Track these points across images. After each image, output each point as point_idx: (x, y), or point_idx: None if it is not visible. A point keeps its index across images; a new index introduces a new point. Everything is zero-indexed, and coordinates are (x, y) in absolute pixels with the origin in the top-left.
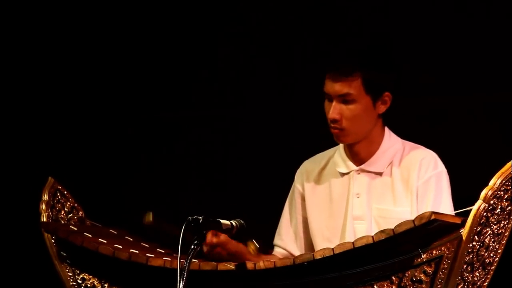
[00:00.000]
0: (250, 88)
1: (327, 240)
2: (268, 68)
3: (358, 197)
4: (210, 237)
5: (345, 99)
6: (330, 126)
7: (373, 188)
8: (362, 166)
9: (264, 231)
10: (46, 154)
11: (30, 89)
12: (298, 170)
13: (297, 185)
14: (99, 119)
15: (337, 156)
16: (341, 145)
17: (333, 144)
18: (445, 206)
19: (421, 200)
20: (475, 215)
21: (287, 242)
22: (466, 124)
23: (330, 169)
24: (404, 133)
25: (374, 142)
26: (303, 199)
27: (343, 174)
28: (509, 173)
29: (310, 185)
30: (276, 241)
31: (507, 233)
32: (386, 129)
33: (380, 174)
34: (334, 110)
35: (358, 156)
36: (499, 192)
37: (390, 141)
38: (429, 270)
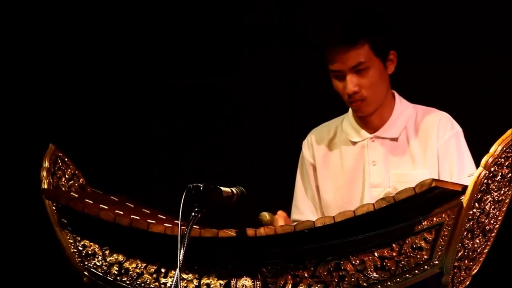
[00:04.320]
0: (254, 55)
1: (342, 209)
2: (268, 35)
3: (374, 165)
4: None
5: (358, 69)
6: (348, 101)
7: (390, 154)
8: (377, 133)
9: (265, 200)
10: (47, 121)
11: (30, 56)
12: (306, 141)
13: (306, 156)
14: (100, 85)
15: (347, 125)
16: (349, 114)
17: (337, 111)
18: (469, 165)
19: (443, 161)
20: (475, 182)
21: (307, 215)
22: (466, 91)
23: (339, 138)
24: (411, 99)
25: (386, 108)
26: (314, 169)
27: (355, 143)
28: (510, 140)
29: (321, 155)
30: (295, 216)
31: (508, 200)
32: (396, 94)
33: (395, 139)
34: (351, 83)
35: (371, 124)
36: (499, 159)
37: (402, 106)
38: (430, 237)
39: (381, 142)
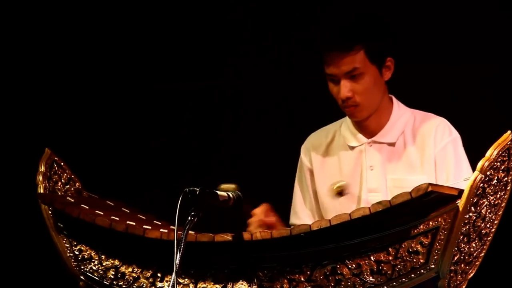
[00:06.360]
0: (253, 58)
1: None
2: (267, 38)
3: (372, 170)
4: (264, 218)
5: (352, 74)
6: (342, 106)
7: (387, 159)
8: (374, 138)
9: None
10: (43, 125)
11: (26, 59)
12: (304, 146)
13: (304, 161)
14: (96, 89)
15: (345, 130)
16: (347, 119)
17: (337, 115)
18: (466, 171)
19: (440, 167)
20: (471, 186)
21: (306, 220)
22: (462, 95)
23: (337, 143)
24: (407, 102)
25: (384, 113)
26: (312, 174)
27: (353, 148)
28: (506, 144)
29: (318, 160)
30: (294, 220)
31: (504, 204)
32: (394, 99)
33: (393, 144)
34: (344, 88)
35: (368, 129)
36: (495, 163)
37: (400, 110)
38: (426, 241)
39: (379, 147)
